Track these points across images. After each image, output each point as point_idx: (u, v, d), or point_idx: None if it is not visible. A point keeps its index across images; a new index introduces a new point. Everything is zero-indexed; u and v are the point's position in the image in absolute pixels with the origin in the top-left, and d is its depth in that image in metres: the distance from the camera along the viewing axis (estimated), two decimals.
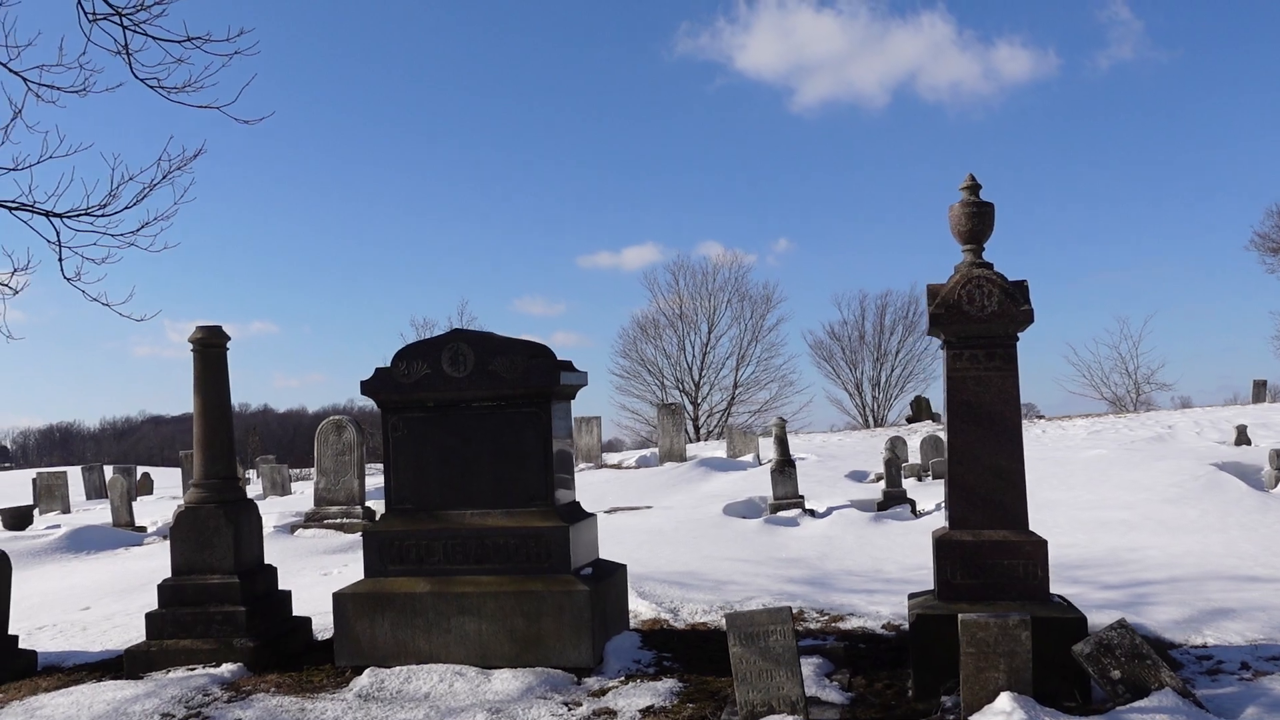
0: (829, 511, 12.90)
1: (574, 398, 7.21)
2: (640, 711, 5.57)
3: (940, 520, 12.16)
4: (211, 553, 6.95)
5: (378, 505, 15.74)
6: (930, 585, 6.32)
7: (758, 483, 16.29)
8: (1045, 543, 5.83)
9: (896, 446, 16.94)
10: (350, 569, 10.89)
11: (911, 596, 6.36)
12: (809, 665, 6.02)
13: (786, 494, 13.07)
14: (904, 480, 14.68)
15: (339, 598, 6.51)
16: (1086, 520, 10.64)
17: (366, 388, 6.68)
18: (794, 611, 7.54)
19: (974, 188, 6.19)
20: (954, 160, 77.01)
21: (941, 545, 5.90)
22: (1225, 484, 11.64)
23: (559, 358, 6.66)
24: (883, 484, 15.19)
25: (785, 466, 13.14)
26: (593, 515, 7.04)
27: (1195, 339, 72.91)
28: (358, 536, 13.38)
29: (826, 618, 7.37)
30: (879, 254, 74.65)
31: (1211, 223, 70.86)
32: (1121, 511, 10.59)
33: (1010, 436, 5.96)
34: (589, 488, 14.92)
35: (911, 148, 76.85)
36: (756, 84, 78.28)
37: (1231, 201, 70.97)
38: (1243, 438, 16.33)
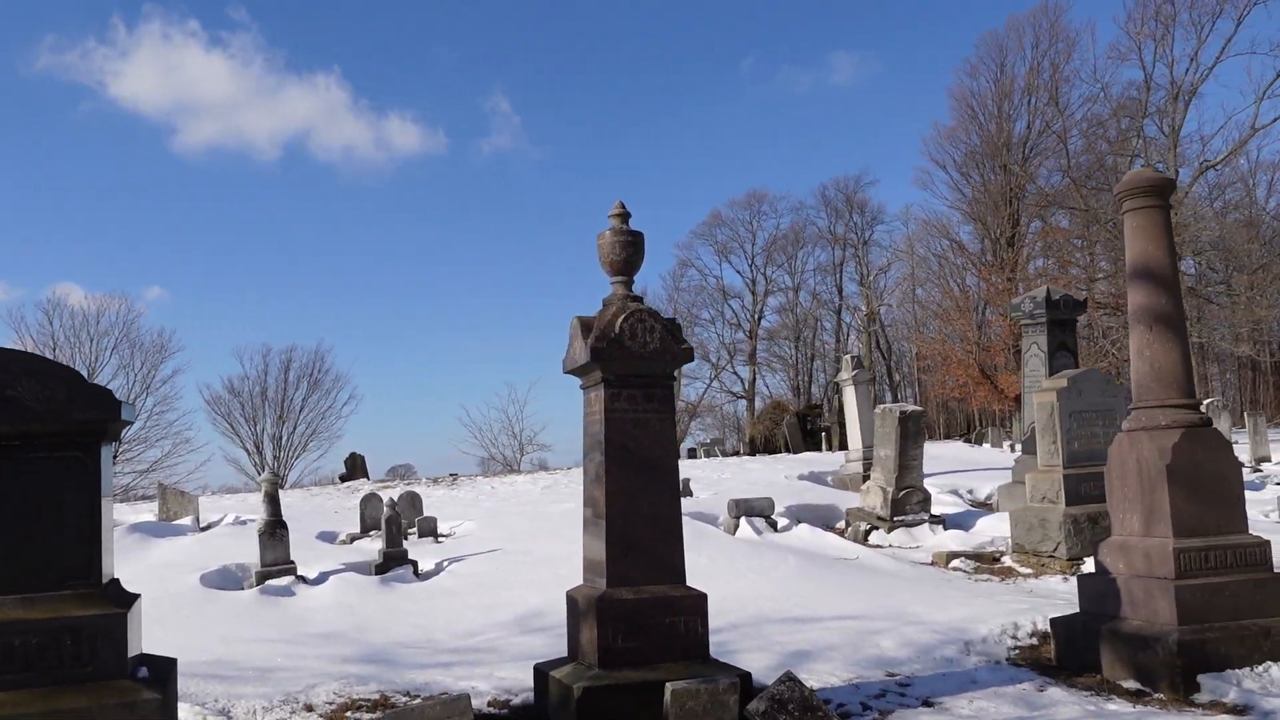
0: (323, 577, 11.53)
1: (118, 439, 5.42)
2: None
3: (446, 579, 11.44)
4: None
5: None
6: (517, 650, 5.68)
7: (215, 549, 14.15)
8: (705, 596, 5.50)
9: (372, 504, 15.87)
10: None
11: (548, 666, 5.63)
12: None
13: (278, 559, 11.41)
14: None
15: None
16: None
17: None
18: (376, 698, 6.40)
19: (624, 215, 5.79)
20: (346, 220, 77.52)
21: (603, 606, 5.28)
22: (708, 532, 12.46)
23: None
24: (375, 544, 14.15)
25: (276, 528, 11.48)
26: (139, 595, 5.29)
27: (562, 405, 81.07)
28: None
29: (421, 701, 6.30)
30: (271, 310, 72.12)
31: (574, 304, 79.85)
32: None
33: (670, 483, 5.57)
34: None
35: (303, 204, 75.99)
36: (134, 116, 71.56)
37: (594, 286, 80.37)
38: (685, 490, 17.95)
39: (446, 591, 10.47)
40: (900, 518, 14.03)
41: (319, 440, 51.44)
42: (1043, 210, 41.36)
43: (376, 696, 6.38)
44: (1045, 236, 41.21)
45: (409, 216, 78.59)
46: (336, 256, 76.75)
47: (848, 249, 58.31)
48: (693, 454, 46.58)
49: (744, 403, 59.12)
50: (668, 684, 4.49)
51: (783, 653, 7.14)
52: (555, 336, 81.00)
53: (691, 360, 5.73)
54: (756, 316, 59.13)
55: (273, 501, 11.83)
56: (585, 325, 5.57)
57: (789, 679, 5.24)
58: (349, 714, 6.03)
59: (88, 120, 69.76)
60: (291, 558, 11.77)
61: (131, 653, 4.82)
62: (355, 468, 30.74)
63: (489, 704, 6.29)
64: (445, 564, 12.39)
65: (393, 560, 12.02)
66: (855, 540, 13.60)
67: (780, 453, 35.12)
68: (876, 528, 14.03)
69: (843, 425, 38.11)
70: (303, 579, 11.48)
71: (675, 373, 5.66)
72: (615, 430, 5.46)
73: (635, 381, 5.50)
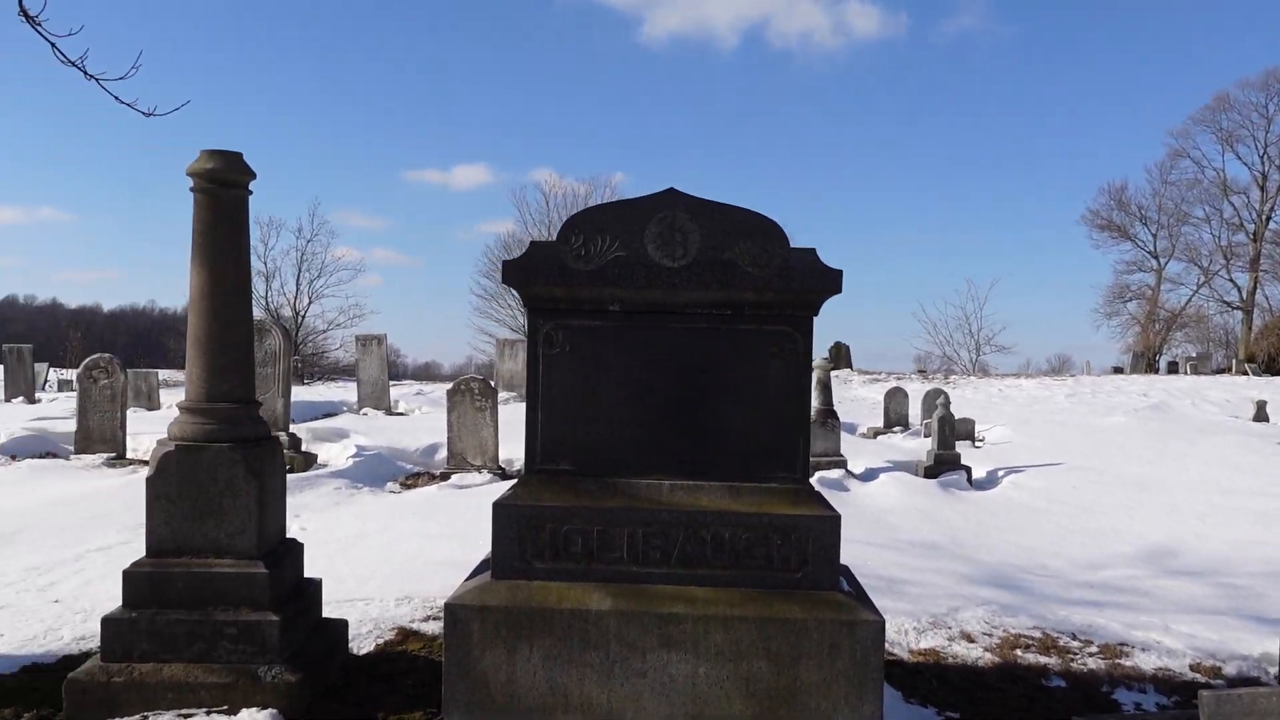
0: (871, 474, 10.88)
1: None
2: None
3: (1012, 491, 10.30)
4: (220, 523, 4.27)
5: (301, 431, 12.86)
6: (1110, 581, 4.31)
7: None
8: None
9: (896, 398, 15.10)
10: (309, 520, 8.20)
11: None
12: None
13: (828, 450, 10.96)
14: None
15: (456, 610, 3.96)
16: (1250, 509, 8.88)
17: (512, 271, 4.09)
18: (1038, 637, 5.43)
19: None
20: (799, 107, 76.33)
21: None
22: None
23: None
24: (907, 441, 13.40)
25: (828, 418, 11.01)
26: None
27: (1027, 305, 75.55)
28: (298, 474, 10.56)
29: (1096, 651, 5.27)
30: (728, 195, 73.78)
31: (1047, 195, 73.11)
32: (1262, 499, 8.93)
33: None
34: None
35: (758, 91, 76.38)
36: (605, 9, 75.54)
37: (1065, 175, 73.20)
38: (1262, 414, 15.24)
39: (1025, 508, 9.34)
40: None
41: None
42: None
43: (1038, 635, 5.45)
44: None
45: (864, 102, 76.48)
46: (791, 143, 76.78)
47: None
48: (1173, 368, 41.57)
49: (1239, 314, 51.81)
50: None
51: None
52: (1016, 236, 75.21)
53: None
54: (1264, 216, 50.95)
55: (825, 390, 11.31)
56: None
57: None
58: (1017, 652, 5.15)
59: (565, 14, 75.08)
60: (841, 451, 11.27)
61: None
62: (839, 357, 30.33)
63: (1190, 666, 5.12)
64: (1000, 474, 11.26)
65: (944, 464, 11.11)
66: None
67: None
68: None
69: None
70: (850, 473, 10.93)
71: None
72: None
73: None
